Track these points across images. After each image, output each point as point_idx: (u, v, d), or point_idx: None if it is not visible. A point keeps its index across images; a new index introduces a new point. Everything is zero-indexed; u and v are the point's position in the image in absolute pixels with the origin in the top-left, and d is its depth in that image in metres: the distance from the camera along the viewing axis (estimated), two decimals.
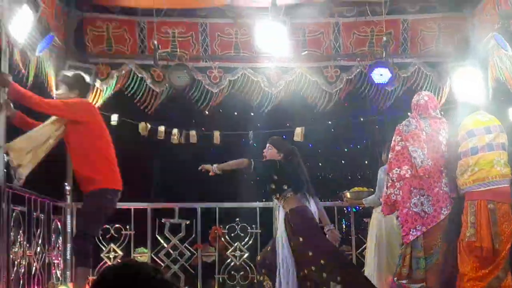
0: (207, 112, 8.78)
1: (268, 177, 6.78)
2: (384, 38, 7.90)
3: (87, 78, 6.60)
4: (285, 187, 6.67)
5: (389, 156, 6.51)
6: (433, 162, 6.30)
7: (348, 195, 8.32)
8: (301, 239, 6.50)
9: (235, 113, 13.85)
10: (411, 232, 6.23)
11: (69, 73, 6.56)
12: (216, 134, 9.18)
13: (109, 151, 6.18)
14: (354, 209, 9.00)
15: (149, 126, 8.93)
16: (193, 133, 9.12)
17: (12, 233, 6.05)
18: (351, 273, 6.55)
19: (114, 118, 8.60)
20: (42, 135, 6.06)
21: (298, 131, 9.14)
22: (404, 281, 6.26)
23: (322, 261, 6.38)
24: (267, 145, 6.94)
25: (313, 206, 6.78)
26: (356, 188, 8.44)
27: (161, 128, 9.01)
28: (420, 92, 6.82)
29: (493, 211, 5.91)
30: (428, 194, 6.25)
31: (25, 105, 5.95)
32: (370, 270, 7.66)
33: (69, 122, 6.10)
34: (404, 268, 6.28)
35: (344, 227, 9.95)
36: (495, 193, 5.96)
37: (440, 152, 6.36)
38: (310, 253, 6.43)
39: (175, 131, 9.07)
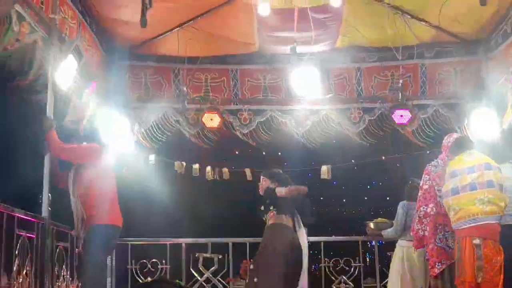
0: (237, 152, 8.76)
1: (262, 201, 6.68)
2: (401, 81, 8.03)
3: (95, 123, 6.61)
4: (271, 208, 6.53)
5: (418, 194, 6.46)
6: None
7: (371, 225, 8.23)
8: (258, 250, 6.34)
9: (264, 153, 13.79)
10: (436, 266, 6.19)
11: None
12: (248, 171, 9.12)
13: (110, 190, 6.02)
14: (378, 243, 8.85)
15: (184, 164, 8.89)
16: (225, 170, 9.08)
17: (56, 268, 6.08)
18: None
19: (152, 158, 8.58)
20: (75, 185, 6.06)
21: (324, 169, 9.07)
22: None
23: (255, 279, 6.11)
24: (261, 177, 6.84)
25: (303, 235, 6.67)
26: (379, 219, 8.33)
27: (196, 166, 8.98)
28: (452, 134, 6.64)
29: (479, 246, 5.74)
30: (451, 230, 6.13)
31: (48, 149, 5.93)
32: None
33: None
34: None
35: (368, 260, 9.81)
36: (478, 230, 5.78)
37: None
38: (252, 266, 6.23)
39: (208, 168, 9.04)
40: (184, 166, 8.94)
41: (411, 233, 6.69)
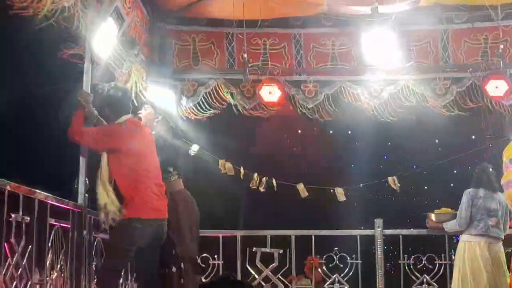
0: (299, 131, 8.72)
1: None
2: (501, 46, 7.79)
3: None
4: (171, 169, 6.44)
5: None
6: None
7: (432, 217, 8.02)
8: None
9: (331, 132, 13.71)
10: None
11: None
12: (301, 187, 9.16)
13: (142, 178, 5.80)
14: None
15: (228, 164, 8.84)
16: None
17: (94, 263, 6.11)
18: None
19: (195, 148, 8.51)
20: (103, 169, 5.99)
21: (391, 180, 9.07)
22: None
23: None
24: (145, 111, 6.60)
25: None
26: (443, 210, 8.11)
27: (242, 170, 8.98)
28: None
29: None
30: None
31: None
32: None
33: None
34: None
35: (453, 258, 9.66)
36: None
37: None
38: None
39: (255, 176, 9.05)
40: (231, 168, 8.88)
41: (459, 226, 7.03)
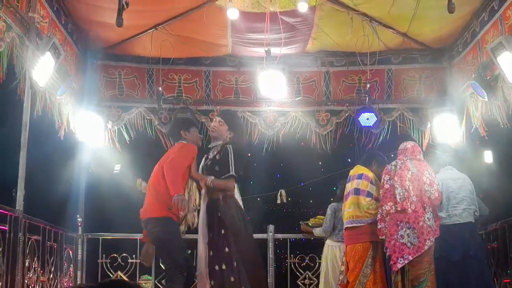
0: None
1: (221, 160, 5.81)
2: (368, 85, 8.04)
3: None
4: (234, 174, 5.78)
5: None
6: (417, 198, 6.31)
7: (309, 223, 8.30)
8: (222, 231, 5.67)
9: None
10: (398, 261, 6.29)
11: None
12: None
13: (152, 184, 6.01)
14: None
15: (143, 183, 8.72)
16: None
17: (27, 260, 5.98)
18: None
19: (117, 167, 8.44)
20: None
21: (279, 194, 9.13)
22: None
23: (235, 263, 5.58)
24: (218, 119, 6.03)
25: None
26: (318, 217, 8.33)
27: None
28: (405, 141, 6.87)
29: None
30: (413, 227, 6.29)
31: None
32: None
33: None
34: None
35: None
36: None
37: (423, 190, 6.37)
38: (227, 250, 5.62)
39: None
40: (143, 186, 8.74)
41: (326, 232, 7.59)
